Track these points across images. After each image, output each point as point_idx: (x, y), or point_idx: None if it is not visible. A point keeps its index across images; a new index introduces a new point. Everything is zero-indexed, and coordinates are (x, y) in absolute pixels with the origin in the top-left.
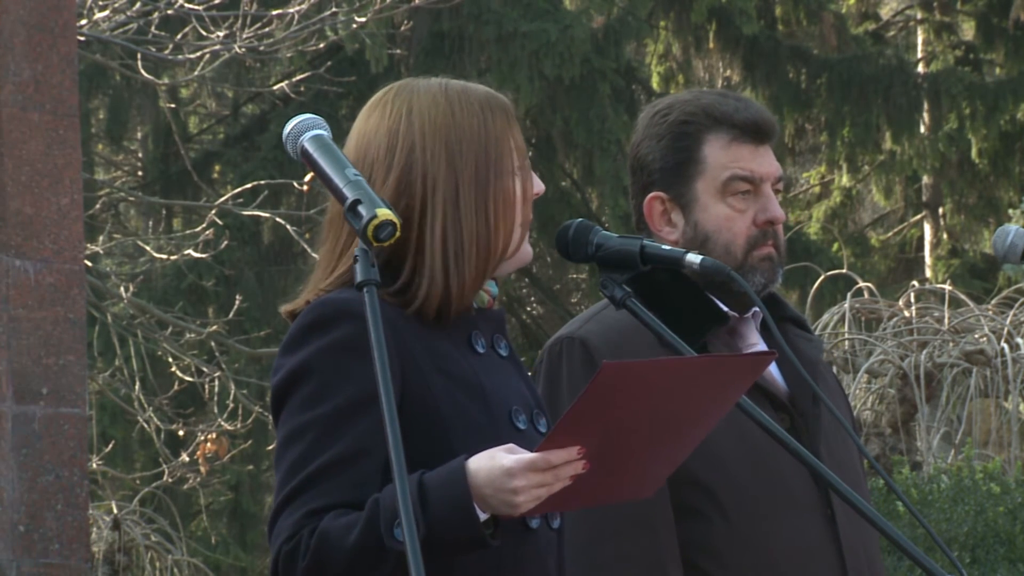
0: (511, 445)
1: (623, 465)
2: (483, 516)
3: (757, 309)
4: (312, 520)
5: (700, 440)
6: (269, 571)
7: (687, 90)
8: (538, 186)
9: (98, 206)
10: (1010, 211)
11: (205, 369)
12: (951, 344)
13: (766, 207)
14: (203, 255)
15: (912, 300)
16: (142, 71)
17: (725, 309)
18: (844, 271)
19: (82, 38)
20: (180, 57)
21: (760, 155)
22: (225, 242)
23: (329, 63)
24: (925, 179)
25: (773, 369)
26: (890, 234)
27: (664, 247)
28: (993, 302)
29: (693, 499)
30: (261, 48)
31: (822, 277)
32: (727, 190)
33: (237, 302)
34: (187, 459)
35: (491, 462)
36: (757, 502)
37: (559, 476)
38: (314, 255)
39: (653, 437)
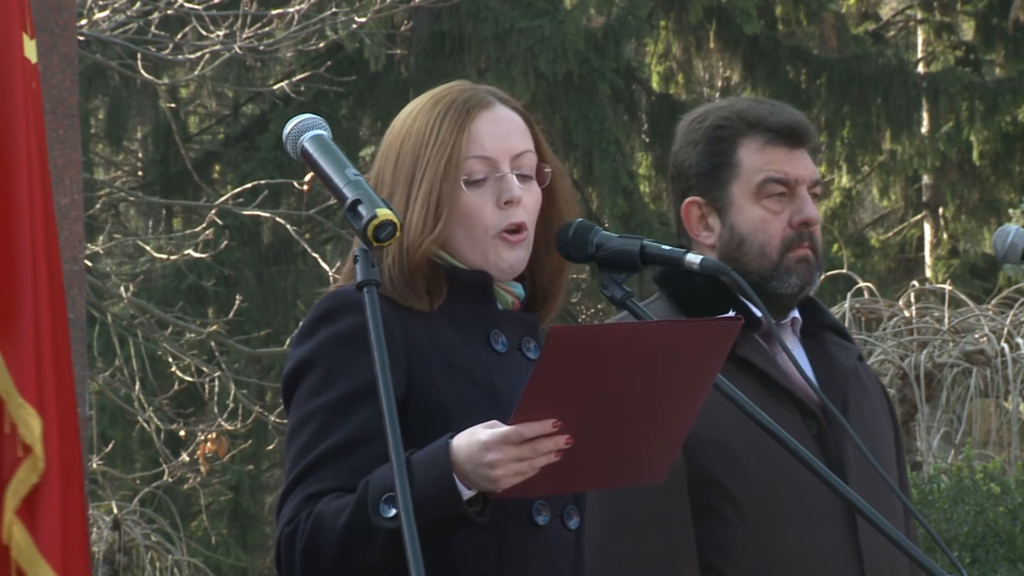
0: (493, 421)
1: (612, 443)
2: (468, 493)
3: (796, 315)
4: (310, 504)
5: (693, 416)
6: (272, 555)
7: (724, 98)
8: (508, 193)
9: (98, 206)
10: (1010, 211)
11: (205, 369)
12: (951, 344)
13: (801, 208)
14: (203, 255)
15: (912, 300)
16: (142, 71)
17: (759, 315)
18: (844, 271)
19: (82, 38)
20: (180, 57)
21: (795, 158)
22: (225, 242)
23: (329, 63)
24: (925, 179)
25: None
26: (890, 234)
27: (664, 247)
28: (993, 302)
29: (713, 500)
30: (261, 48)
31: (822, 277)
32: (762, 192)
33: (237, 302)
34: (187, 459)
35: (470, 438)
36: (776, 507)
37: (537, 450)
38: (314, 254)
39: (636, 411)
